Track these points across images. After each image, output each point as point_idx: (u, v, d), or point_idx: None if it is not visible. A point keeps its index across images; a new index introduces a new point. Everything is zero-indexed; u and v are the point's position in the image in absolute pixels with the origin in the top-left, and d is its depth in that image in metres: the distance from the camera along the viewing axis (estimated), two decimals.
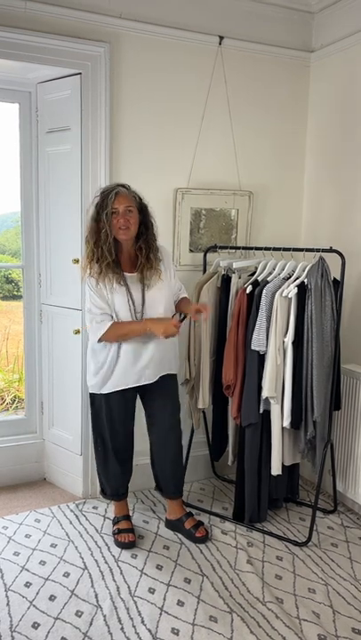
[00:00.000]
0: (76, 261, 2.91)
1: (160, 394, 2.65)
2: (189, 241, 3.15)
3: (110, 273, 2.42)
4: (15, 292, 5.76)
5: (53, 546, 2.66)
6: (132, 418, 2.69)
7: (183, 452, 2.85)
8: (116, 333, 2.44)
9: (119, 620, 2.16)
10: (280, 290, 2.62)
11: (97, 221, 2.40)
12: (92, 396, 2.65)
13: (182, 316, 2.60)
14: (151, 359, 2.52)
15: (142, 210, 2.48)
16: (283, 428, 2.68)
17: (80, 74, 2.76)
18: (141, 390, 2.65)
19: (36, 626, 2.13)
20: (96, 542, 2.69)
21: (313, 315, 2.56)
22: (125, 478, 2.76)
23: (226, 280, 2.93)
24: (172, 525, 2.80)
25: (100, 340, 2.46)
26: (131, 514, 2.86)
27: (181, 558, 2.58)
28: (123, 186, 2.44)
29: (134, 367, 2.51)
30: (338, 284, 2.66)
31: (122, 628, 2.12)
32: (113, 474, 2.72)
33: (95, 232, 2.40)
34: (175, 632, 2.11)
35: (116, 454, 2.68)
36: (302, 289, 2.61)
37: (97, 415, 2.66)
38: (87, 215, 2.48)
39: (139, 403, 2.73)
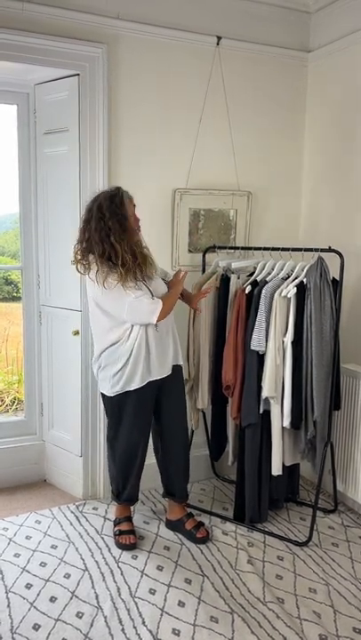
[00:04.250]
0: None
1: (173, 390, 2.65)
2: (188, 241, 3.15)
3: (137, 274, 2.42)
4: (14, 294, 5.76)
5: (54, 547, 2.66)
6: (152, 416, 2.68)
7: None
8: (167, 306, 2.45)
9: (120, 621, 2.16)
10: (279, 290, 2.62)
11: (124, 227, 2.37)
12: (114, 399, 2.57)
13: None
14: (168, 345, 2.56)
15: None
16: (283, 428, 2.68)
17: (78, 75, 2.76)
18: (159, 385, 2.60)
19: (36, 627, 2.13)
20: (97, 543, 2.69)
21: (312, 314, 2.56)
22: (139, 481, 2.76)
23: (225, 280, 2.92)
24: (173, 526, 2.80)
25: (158, 320, 2.41)
26: (132, 515, 2.85)
27: (182, 559, 2.58)
28: (117, 188, 2.48)
29: (165, 358, 2.54)
30: (337, 284, 2.66)
31: (123, 629, 2.12)
32: (132, 479, 2.70)
33: (120, 237, 2.36)
34: (176, 633, 2.11)
35: (143, 455, 2.67)
36: (301, 289, 2.61)
37: (120, 417, 2.59)
38: (97, 223, 2.39)
39: None
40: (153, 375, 2.53)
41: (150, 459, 2.83)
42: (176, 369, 2.64)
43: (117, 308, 2.43)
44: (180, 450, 2.74)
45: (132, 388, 2.51)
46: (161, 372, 2.54)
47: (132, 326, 2.46)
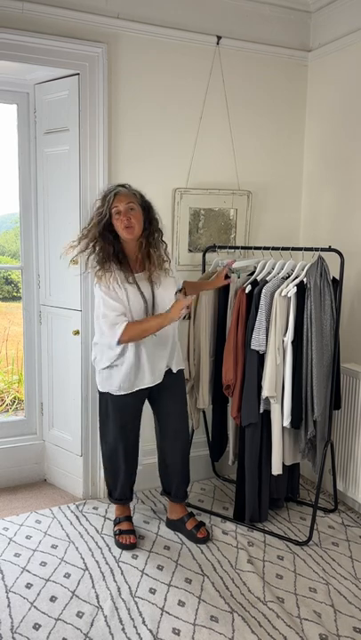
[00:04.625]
0: (75, 262, 2.90)
1: (172, 393, 2.65)
2: (188, 241, 3.15)
3: (120, 274, 2.39)
4: (14, 294, 5.77)
5: (54, 547, 2.66)
6: (140, 419, 2.69)
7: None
8: (135, 332, 2.36)
9: (120, 621, 2.16)
10: (279, 289, 2.62)
11: (99, 226, 2.36)
12: (105, 396, 2.60)
13: (181, 288, 2.60)
14: (165, 353, 2.54)
15: (145, 207, 2.44)
16: (283, 428, 2.68)
17: (78, 74, 2.76)
18: (152, 390, 2.63)
19: (37, 627, 2.13)
20: (97, 543, 2.69)
21: (312, 314, 2.56)
22: (132, 480, 2.76)
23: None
24: (174, 525, 2.80)
25: (119, 342, 2.37)
26: (131, 514, 2.85)
27: (182, 558, 2.58)
28: (123, 186, 2.44)
29: (156, 366, 2.52)
30: (337, 284, 2.66)
31: (123, 629, 2.12)
32: (122, 477, 2.71)
33: (100, 237, 2.37)
34: (176, 632, 2.11)
35: (126, 457, 2.67)
36: (301, 288, 2.61)
37: (108, 417, 2.62)
38: (90, 218, 2.45)
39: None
40: (141, 384, 2.52)
41: (151, 458, 2.83)
42: (177, 373, 2.63)
43: (95, 311, 2.46)
44: (179, 452, 2.73)
45: (115, 393, 2.53)
46: (152, 379, 2.53)
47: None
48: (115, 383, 2.51)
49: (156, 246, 2.45)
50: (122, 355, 2.46)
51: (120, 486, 2.72)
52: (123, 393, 2.51)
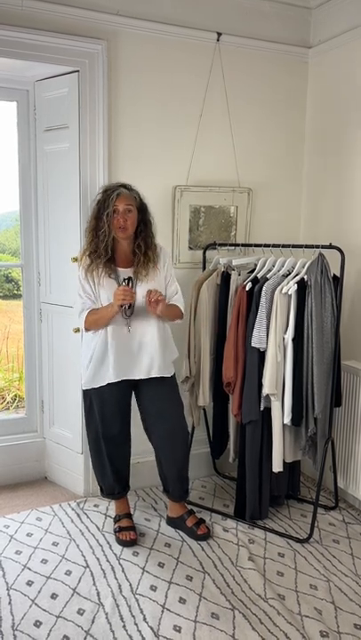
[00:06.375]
0: (75, 260, 2.90)
1: (156, 398, 2.62)
2: (188, 238, 3.15)
3: (102, 268, 2.48)
4: (15, 291, 5.77)
5: (55, 544, 2.66)
6: (125, 415, 2.68)
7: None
8: (91, 319, 2.51)
9: (121, 618, 2.16)
10: (280, 287, 2.61)
11: (97, 219, 2.46)
12: (85, 392, 2.66)
13: (128, 280, 2.48)
14: (139, 352, 2.54)
15: (142, 209, 2.53)
16: (283, 425, 2.68)
17: (78, 71, 2.76)
18: (136, 390, 2.65)
19: (37, 624, 2.13)
20: (97, 540, 2.69)
21: (313, 311, 2.56)
22: (120, 477, 2.75)
23: (225, 277, 2.92)
24: (174, 523, 2.80)
25: (86, 330, 2.56)
26: (132, 512, 2.86)
27: (183, 556, 2.58)
28: (125, 186, 2.48)
29: (123, 359, 2.53)
30: (338, 281, 2.66)
31: (124, 626, 2.12)
32: (106, 472, 2.71)
33: (94, 229, 2.47)
34: (177, 629, 2.11)
35: (109, 452, 2.67)
36: (302, 285, 2.61)
37: (89, 411, 2.67)
38: (90, 211, 2.54)
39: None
40: (118, 376, 2.53)
41: (150, 455, 2.83)
42: (160, 381, 2.58)
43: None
44: (169, 453, 2.69)
45: (95, 386, 2.58)
46: (125, 373, 2.54)
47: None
48: (91, 376, 2.58)
49: (147, 247, 2.52)
50: (95, 347, 2.55)
51: (107, 480, 2.74)
52: (94, 386, 2.58)
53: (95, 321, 2.51)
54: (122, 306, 2.41)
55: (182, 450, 2.73)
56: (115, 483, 2.74)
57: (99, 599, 2.27)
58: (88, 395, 2.65)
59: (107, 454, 2.67)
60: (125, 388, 2.62)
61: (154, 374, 2.56)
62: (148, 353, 2.54)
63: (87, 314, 2.51)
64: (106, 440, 2.65)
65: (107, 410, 2.61)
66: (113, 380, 2.54)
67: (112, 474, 2.71)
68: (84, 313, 2.52)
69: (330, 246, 2.63)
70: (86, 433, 2.75)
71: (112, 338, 2.51)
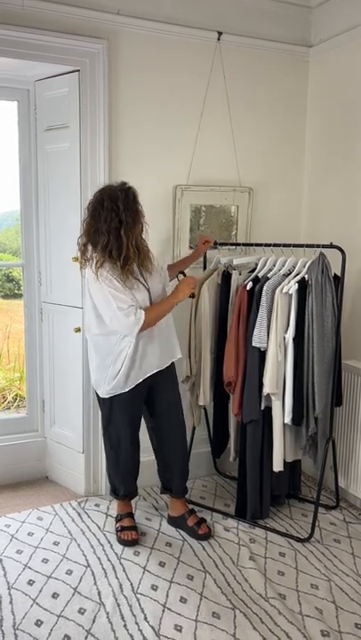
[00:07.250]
0: (76, 259, 2.90)
1: (168, 387, 2.66)
2: (189, 238, 3.15)
3: (135, 269, 2.46)
4: (16, 291, 5.77)
5: (56, 544, 2.66)
6: (141, 417, 2.71)
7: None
8: (154, 315, 2.43)
9: (122, 617, 2.16)
10: (280, 286, 2.61)
11: (135, 221, 2.40)
12: (104, 399, 2.61)
13: (183, 274, 2.64)
14: (168, 336, 2.58)
15: None
16: (284, 425, 2.68)
17: (78, 71, 2.76)
18: (151, 383, 2.62)
19: (39, 623, 2.13)
20: (98, 540, 2.69)
21: (314, 311, 2.56)
22: (137, 476, 2.78)
23: (226, 277, 2.92)
24: (175, 522, 2.80)
25: (141, 330, 2.40)
26: (133, 511, 2.86)
27: (184, 555, 2.58)
28: (126, 183, 2.47)
29: (165, 346, 2.56)
30: (338, 280, 2.65)
31: (125, 625, 2.12)
32: (127, 477, 2.73)
33: (130, 230, 2.37)
34: (178, 629, 2.11)
35: (133, 453, 2.69)
36: (303, 285, 2.61)
37: (109, 417, 2.63)
38: (108, 214, 2.36)
39: None
40: (152, 368, 2.54)
41: (150, 455, 2.83)
42: (168, 368, 2.63)
43: (103, 307, 2.42)
44: (176, 447, 2.73)
45: (127, 389, 2.54)
46: (160, 363, 2.56)
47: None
48: (121, 383, 2.51)
49: (137, 242, 2.50)
50: (125, 350, 2.48)
51: (126, 482, 2.75)
52: (129, 388, 2.52)
53: (157, 318, 2.45)
54: (192, 295, 2.52)
55: (185, 440, 2.78)
56: (134, 483, 2.78)
57: (100, 598, 2.27)
58: (109, 401, 2.59)
59: (131, 457, 2.68)
60: (142, 389, 2.60)
61: (178, 355, 2.65)
62: (172, 336, 2.62)
63: (146, 314, 2.39)
64: (129, 444, 2.65)
65: (133, 413, 2.62)
66: (160, 367, 2.56)
67: (135, 474, 2.75)
68: (141, 313, 2.38)
69: (331, 246, 2.62)
70: (106, 440, 2.72)
71: (157, 327, 2.50)
